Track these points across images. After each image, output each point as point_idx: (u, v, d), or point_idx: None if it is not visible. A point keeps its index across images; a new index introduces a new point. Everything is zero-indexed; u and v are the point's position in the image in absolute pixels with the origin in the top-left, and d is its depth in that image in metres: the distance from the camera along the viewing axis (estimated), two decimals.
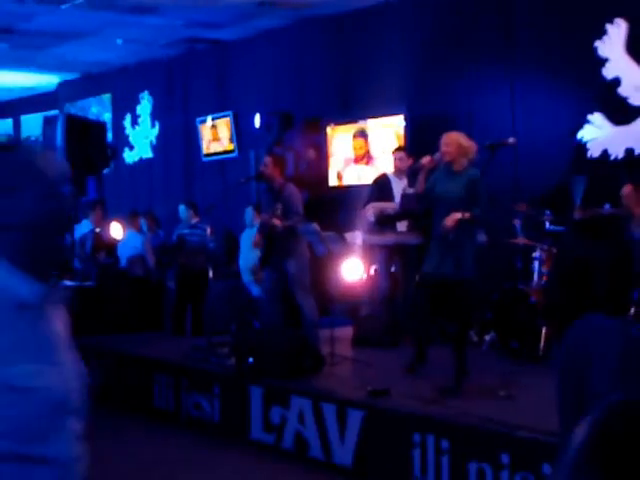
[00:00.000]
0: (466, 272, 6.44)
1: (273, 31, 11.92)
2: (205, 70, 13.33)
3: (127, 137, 15.17)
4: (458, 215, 6.32)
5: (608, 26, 8.53)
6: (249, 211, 9.97)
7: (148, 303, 10.31)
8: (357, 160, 10.76)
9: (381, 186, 8.72)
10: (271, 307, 8.12)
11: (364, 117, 10.64)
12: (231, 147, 12.81)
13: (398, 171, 8.66)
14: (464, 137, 6.68)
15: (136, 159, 14.99)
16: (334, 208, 10.73)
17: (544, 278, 7.71)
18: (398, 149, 8.99)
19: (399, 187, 8.54)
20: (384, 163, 9.95)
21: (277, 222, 7.75)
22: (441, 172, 6.69)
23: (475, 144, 6.66)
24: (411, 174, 8.15)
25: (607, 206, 7.57)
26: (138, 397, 7.96)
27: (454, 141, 6.59)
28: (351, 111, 10.95)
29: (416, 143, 9.56)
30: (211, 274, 9.11)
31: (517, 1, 9.37)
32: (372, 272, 8.86)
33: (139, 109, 14.91)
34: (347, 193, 10.77)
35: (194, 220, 10.32)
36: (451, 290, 6.54)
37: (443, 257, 6.47)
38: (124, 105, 15.20)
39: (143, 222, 11.53)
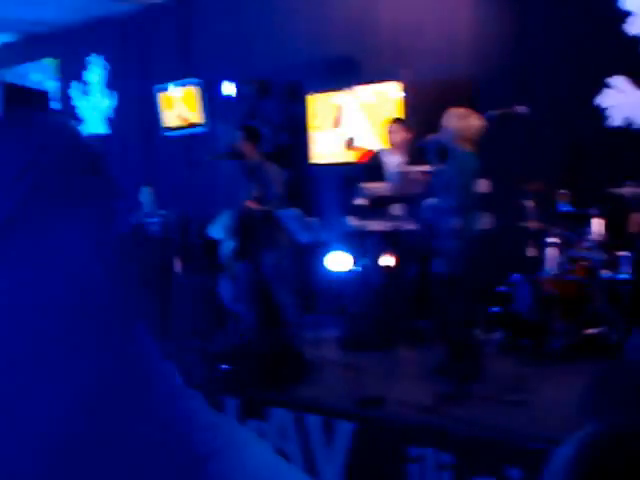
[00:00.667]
0: (455, 266, 6.65)
1: None
2: (166, 29, 13.34)
3: (75, 109, 15.19)
4: None
5: None
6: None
7: None
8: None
9: (372, 165, 8.84)
10: (248, 306, 8.23)
11: (354, 84, 10.73)
12: (198, 120, 12.89)
13: (394, 146, 8.78)
14: (467, 113, 6.89)
15: (86, 135, 15.03)
16: (319, 189, 10.83)
17: (558, 266, 7.91)
18: (394, 120, 9.13)
19: (392, 164, 8.68)
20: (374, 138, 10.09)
21: (253, 206, 7.87)
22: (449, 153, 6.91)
23: (480, 119, 6.86)
24: (417, 151, 8.32)
25: (629, 183, 7.78)
26: None
27: (456, 118, 6.82)
28: (337, 77, 11.01)
29: (415, 113, 9.66)
30: (178, 268, 9.22)
31: None
32: (363, 263, 8.98)
33: (88, 76, 14.93)
34: (333, 172, 10.86)
35: (153, 207, 10.39)
36: (452, 284, 6.74)
37: (443, 247, 6.68)
38: (70, 71, 15.19)
39: None
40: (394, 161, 8.70)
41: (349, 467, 5.99)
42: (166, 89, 13.11)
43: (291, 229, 7.69)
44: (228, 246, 9.55)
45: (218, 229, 10.03)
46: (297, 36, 11.57)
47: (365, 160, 9.08)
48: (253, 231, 7.94)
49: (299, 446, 6.31)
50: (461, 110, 6.96)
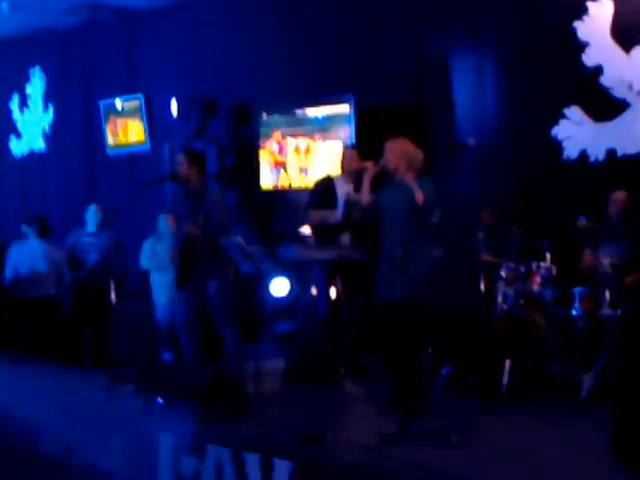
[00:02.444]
0: (415, 294, 6.65)
1: (191, 0, 11.98)
2: (110, 44, 13.30)
3: (14, 123, 15.07)
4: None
5: (590, 4, 8.81)
6: (162, 219, 10.00)
7: (40, 328, 10.22)
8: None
9: (323, 191, 8.82)
10: (187, 336, 8.16)
11: (303, 104, 10.74)
12: (142, 138, 12.82)
13: (346, 173, 8.77)
14: (409, 144, 6.91)
15: (25, 150, 14.91)
16: (266, 216, 10.80)
17: (509, 301, 7.95)
18: (348, 147, 9.12)
19: (343, 191, 8.68)
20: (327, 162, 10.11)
21: (195, 233, 7.82)
22: (388, 183, 6.91)
23: (421, 152, 6.91)
24: (357, 178, 8.33)
25: (582, 218, 7.85)
26: (22, 442, 7.98)
27: (398, 149, 6.83)
28: (288, 97, 11.02)
29: (365, 139, 9.70)
30: (113, 294, 9.14)
31: None
32: (309, 293, 8.97)
33: (29, 88, 14.83)
34: (283, 197, 10.85)
35: (96, 227, 10.27)
36: (399, 316, 6.73)
37: (390, 280, 6.67)
38: (10, 83, 15.08)
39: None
40: (345, 187, 8.70)
41: None
42: (110, 105, 13.03)
43: (234, 257, 7.65)
44: (159, 279, 9.55)
45: (146, 259, 9.96)
46: (247, 55, 11.57)
47: (317, 186, 9.05)
48: (195, 259, 7.88)
49: None
50: (403, 140, 6.98)
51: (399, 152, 6.84)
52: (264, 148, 11.08)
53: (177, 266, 8.19)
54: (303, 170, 10.81)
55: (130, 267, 10.21)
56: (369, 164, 6.95)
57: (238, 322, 8.04)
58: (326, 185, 8.87)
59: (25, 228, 10.43)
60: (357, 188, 8.21)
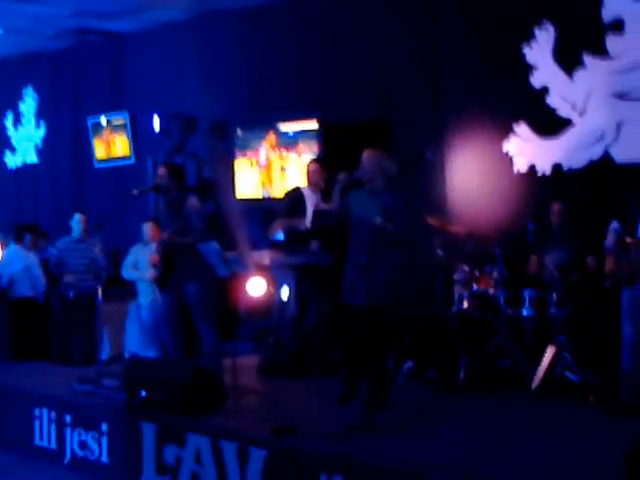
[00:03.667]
0: (380, 298, 6.64)
1: (173, 24, 11.92)
2: (97, 65, 13.24)
3: (9, 138, 14.99)
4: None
5: (537, 30, 8.84)
6: (146, 226, 9.97)
7: (33, 328, 10.18)
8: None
9: (293, 201, 8.81)
10: (169, 334, 8.12)
11: (276, 121, 10.72)
12: (127, 153, 12.75)
13: (312, 185, 8.77)
14: (384, 155, 6.89)
15: (19, 164, 14.82)
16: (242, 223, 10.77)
17: (464, 302, 7.96)
18: (313, 160, 9.11)
19: (311, 201, 8.67)
20: (298, 175, 10.10)
21: (175, 240, 7.79)
22: (359, 192, 6.88)
23: (394, 164, 6.88)
24: (326, 188, 8.33)
25: (530, 225, 7.86)
26: (16, 434, 7.91)
27: (374, 159, 6.81)
28: (262, 115, 11.01)
29: (332, 153, 9.69)
30: (100, 295, 9.08)
31: (440, 3, 9.60)
32: (281, 294, 8.94)
33: (22, 107, 14.75)
34: (257, 207, 10.82)
35: (84, 234, 10.26)
36: (365, 317, 6.72)
37: (356, 283, 6.66)
38: (5, 102, 15.00)
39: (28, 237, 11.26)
40: (312, 198, 8.69)
41: None
42: (97, 122, 12.98)
43: (211, 262, 7.63)
44: (144, 285, 9.50)
45: (129, 270, 9.89)
46: (223, 76, 11.55)
47: (287, 196, 9.04)
48: (175, 263, 7.84)
49: (215, 471, 6.21)
50: (379, 151, 6.95)
51: (375, 162, 6.82)
52: (246, 157, 11.05)
53: (159, 270, 8.15)
54: (274, 181, 10.79)
55: (117, 271, 10.14)
56: (341, 175, 6.93)
57: (216, 321, 8.01)
58: (295, 195, 8.86)
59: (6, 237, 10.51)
60: (325, 198, 8.20)
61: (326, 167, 8.71)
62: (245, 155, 11.05)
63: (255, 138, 10.96)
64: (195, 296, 7.81)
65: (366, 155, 6.86)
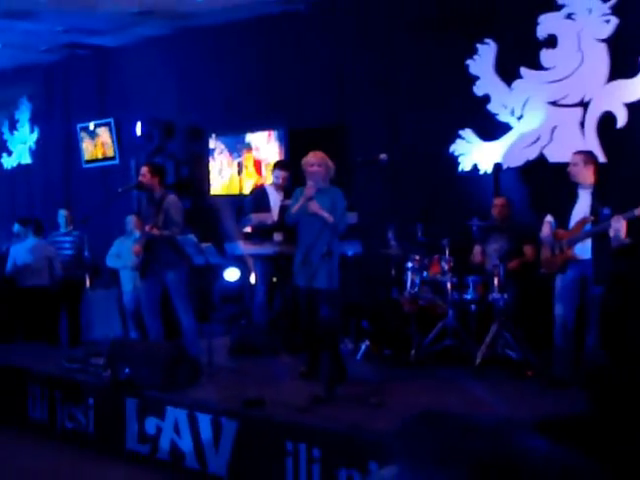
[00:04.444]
0: (335, 282, 6.64)
1: (154, 39, 11.85)
2: (85, 76, 13.12)
3: (5, 142, 14.81)
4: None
5: (479, 45, 8.83)
6: (129, 219, 9.86)
7: (45, 314, 9.88)
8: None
9: (258, 197, 8.77)
10: (150, 317, 8.05)
11: (246, 130, 10.66)
12: (112, 154, 12.64)
13: (275, 184, 8.72)
14: (327, 156, 6.90)
15: (14, 164, 14.63)
16: (215, 217, 10.71)
17: (415, 288, 7.92)
18: (278, 166, 9.02)
19: (276, 199, 8.62)
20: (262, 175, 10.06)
21: (156, 232, 7.71)
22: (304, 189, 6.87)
23: (333, 164, 6.90)
24: (288, 187, 8.33)
25: (474, 219, 7.85)
26: (11, 408, 7.78)
27: (322, 160, 6.81)
28: (234, 123, 10.96)
29: (296, 156, 9.62)
30: (87, 283, 8.96)
31: (393, 20, 9.57)
32: (251, 281, 8.88)
33: (18, 114, 14.56)
34: (228, 203, 10.76)
35: (70, 227, 10.13)
36: (322, 300, 6.69)
37: (316, 269, 6.61)
38: (1, 110, 14.81)
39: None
40: (277, 196, 8.64)
41: (234, 459, 5.84)
42: (86, 127, 12.87)
43: (188, 252, 7.57)
44: (126, 273, 9.38)
45: (113, 259, 9.77)
46: (198, 87, 11.50)
47: (252, 193, 9.01)
48: (156, 253, 7.77)
49: (191, 440, 6.14)
50: (320, 153, 6.93)
51: (323, 161, 6.83)
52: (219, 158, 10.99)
53: (141, 259, 8.07)
54: (243, 180, 10.74)
55: (102, 261, 10.02)
56: (309, 188, 6.86)
57: (193, 305, 7.95)
58: (260, 192, 8.84)
59: (20, 228, 10.21)
60: (287, 195, 8.16)
61: (290, 168, 8.66)
62: (219, 156, 10.98)
63: (227, 142, 10.90)
64: (174, 282, 7.76)
65: (315, 154, 6.86)
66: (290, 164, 8.98)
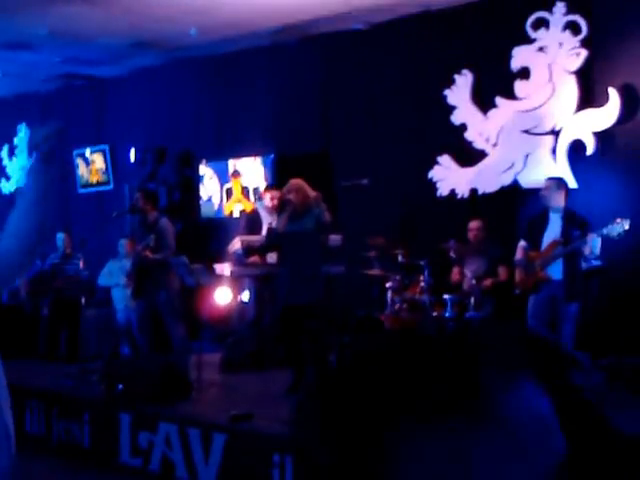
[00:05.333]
0: (321, 299, 6.71)
1: (148, 69, 11.90)
2: (82, 105, 13.14)
3: (4, 168, 14.79)
4: None
5: (456, 76, 8.92)
6: (122, 242, 9.87)
7: (20, 331, 9.95)
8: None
9: (251, 220, 8.80)
10: (142, 335, 8.07)
11: (236, 156, 10.70)
12: (106, 180, 12.66)
13: (269, 208, 8.73)
14: (307, 186, 6.96)
15: (12, 189, 14.61)
16: (205, 240, 10.75)
17: (396, 306, 7.97)
18: (267, 187, 9.05)
19: (267, 220, 8.65)
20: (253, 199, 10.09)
21: (149, 255, 7.74)
22: (287, 214, 6.95)
23: (318, 193, 6.96)
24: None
25: (452, 241, 7.91)
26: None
27: (295, 187, 6.88)
28: (224, 149, 11.01)
29: (283, 181, 9.65)
30: (83, 302, 8.98)
31: (375, 53, 9.66)
32: (240, 299, 8.89)
33: (17, 140, 14.56)
34: (219, 226, 10.80)
35: (68, 250, 10.16)
36: (311, 315, 6.74)
37: (306, 286, 6.67)
38: (1, 137, 14.80)
39: None
40: (267, 218, 8.67)
41: (223, 471, 5.85)
42: (82, 153, 12.90)
43: (180, 273, 7.61)
44: (118, 292, 9.38)
45: (105, 277, 9.79)
46: (189, 116, 11.55)
47: (244, 216, 9.04)
48: (149, 274, 7.79)
49: (182, 453, 6.14)
50: (295, 181, 7.01)
51: (296, 187, 6.92)
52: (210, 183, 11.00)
53: (133, 281, 8.10)
54: (235, 203, 10.77)
55: (97, 281, 10.04)
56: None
57: (184, 323, 7.96)
58: (252, 216, 8.86)
59: None
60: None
61: (280, 188, 8.67)
62: (209, 182, 11.02)
63: (216, 168, 10.94)
64: (166, 302, 7.79)
65: (297, 182, 6.96)
66: (280, 186, 9.04)
